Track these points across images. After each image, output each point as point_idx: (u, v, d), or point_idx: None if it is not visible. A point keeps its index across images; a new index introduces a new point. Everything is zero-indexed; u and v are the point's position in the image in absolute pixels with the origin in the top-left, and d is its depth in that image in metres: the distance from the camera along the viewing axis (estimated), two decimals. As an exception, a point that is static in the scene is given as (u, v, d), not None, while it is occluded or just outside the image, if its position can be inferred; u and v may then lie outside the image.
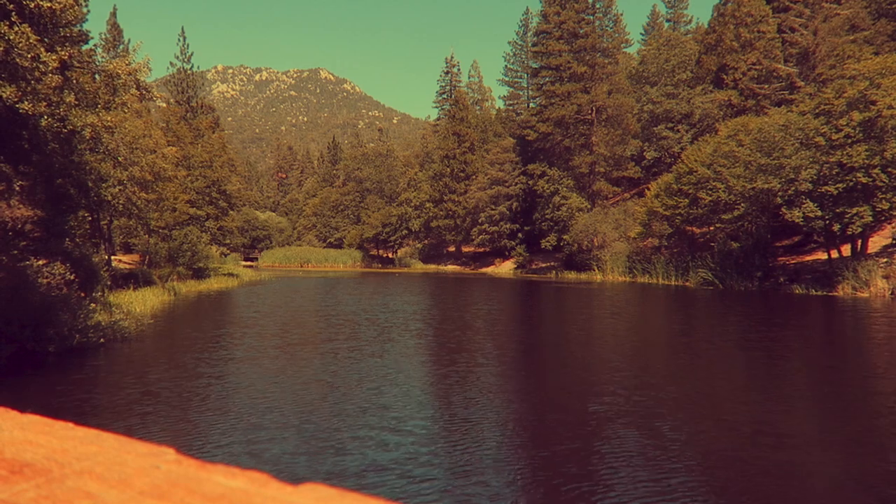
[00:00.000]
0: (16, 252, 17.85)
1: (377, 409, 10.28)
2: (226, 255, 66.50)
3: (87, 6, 22.48)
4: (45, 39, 14.20)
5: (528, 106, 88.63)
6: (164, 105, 59.53)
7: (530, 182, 71.89)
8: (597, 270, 57.69)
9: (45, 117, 14.41)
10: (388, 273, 72.85)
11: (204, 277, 43.41)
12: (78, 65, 16.83)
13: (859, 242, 36.12)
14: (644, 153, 68.38)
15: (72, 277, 18.97)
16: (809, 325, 23.37)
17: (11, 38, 12.77)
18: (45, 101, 14.09)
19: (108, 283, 26.22)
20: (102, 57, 21.46)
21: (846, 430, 9.28)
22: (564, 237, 65.08)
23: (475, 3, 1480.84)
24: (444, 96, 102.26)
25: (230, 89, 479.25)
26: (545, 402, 11.30)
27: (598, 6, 70.62)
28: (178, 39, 65.25)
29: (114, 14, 53.44)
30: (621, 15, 77.06)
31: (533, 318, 27.04)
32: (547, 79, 71.79)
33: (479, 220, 78.54)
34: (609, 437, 8.87)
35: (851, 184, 33.06)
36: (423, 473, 7.36)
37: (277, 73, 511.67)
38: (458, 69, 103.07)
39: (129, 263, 39.73)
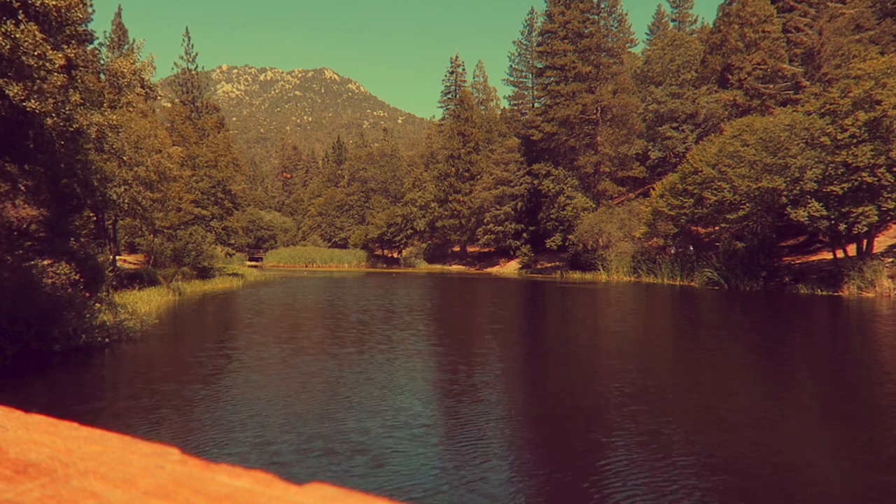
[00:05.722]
0: (21, 252, 17.90)
1: (382, 408, 10.27)
2: (231, 255, 66.54)
3: (91, 6, 22.53)
4: (51, 38, 14.23)
5: (533, 106, 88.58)
6: (169, 105, 59.65)
7: (535, 182, 71.89)
8: (602, 270, 57.62)
9: (51, 116, 14.44)
10: (391, 273, 72.87)
11: (209, 277, 43.47)
12: (83, 64, 16.85)
13: (865, 242, 36.01)
14: (649, 153, 68.34)
15: (77, 277, 19.01)
16: (814, 326, 23.32)
17: (18, 36, 12.79)
18: (52, 98, 14.11)
19: (113, 282, 26.27)
20: (107, 56, 21.49)
21: (850, 430, 9.25)
22: (569, 237, 65.06)
23: (480, 4, 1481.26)
24: (449, 96, 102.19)
25: (235, 89, 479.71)
26: (550, 403, 11.28)
27: (602, 6, 70.59)
28: (183, 39, 65.39)
29: (119, 14, 53.50)
30: (626, 15, 77.04)
31: (537, 319, 27.02)
32: (552, 79, 71.74)
33: (484, 220, 78.54)
34: (613, 437, 8.85)
35: (857, 183, 32.96)
36: (428, 472, 7.35)
37: (282, 72, 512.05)
38: (463, 69, 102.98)
39: (134, 263, 39.77)
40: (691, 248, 51.71)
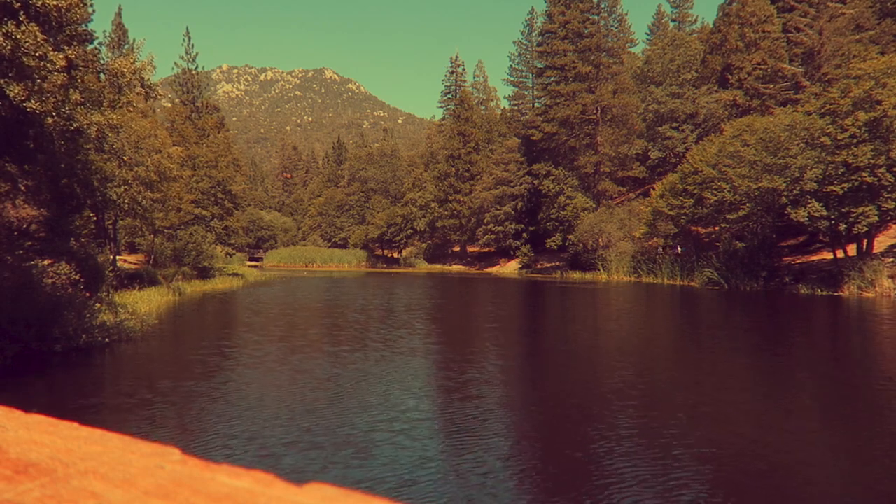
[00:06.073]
0: (21, 252, 17.90)
1: (382, 408, 10.27)
2: (231, 255, 66.57)
3: (91, 6, 22.54)
4: (51, 39, 14.24)
5: (533, 106, 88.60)
6: (169, 105, 59.63)
7: (535, 182, 71.91)
8: (602, 270, 57.64)
9: (52, 115, 14.44)
10: (391, 273, 72.93)
11: (209, 277, 43.47)
12: (83, 64, 16.85)
13: (865, 242, 36.01)
14: (649, 153, 68.37)
15: (77, 277, 19.00)
16: (814, 326, 23.31)
17: (19, 37, 12.79)
18: (52, 98, 14.12)
19: (114, 282, 26.26)
20: (107, 56, 21.48)
21: (850, 430, 9.25)
22: (569, 237, 65.08)
23: (480, 4, 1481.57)
24: (449, 96, 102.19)
25: (235, 89, 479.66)
26: (548, 401, 11.28)
27: (602, 6, 70.60)
28: (184, 40, 65.35)
29: (119, 14, 53.51)
30: (626, 15, 77.11)
31: (537, 318, 27.01)
32: (552, 79, 71.73)
33: (485, 220, 78.57)
34: (610, 435, 8.85)
35: (857, 183, 32.97)
36: (427, 472, 7.35)
37: (282, 72, 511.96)
38: (463, 69, 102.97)
39: (135, 263, 39.77)
40: (679, 248, 51.82)
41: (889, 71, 33.06)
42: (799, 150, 35.27)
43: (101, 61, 19.07)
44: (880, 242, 37.88)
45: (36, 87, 13.66)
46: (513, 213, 75.66)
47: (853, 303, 29.22)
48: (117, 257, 35.03)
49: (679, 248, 51.81)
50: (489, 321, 24.83)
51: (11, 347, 14.07)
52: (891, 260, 34.72)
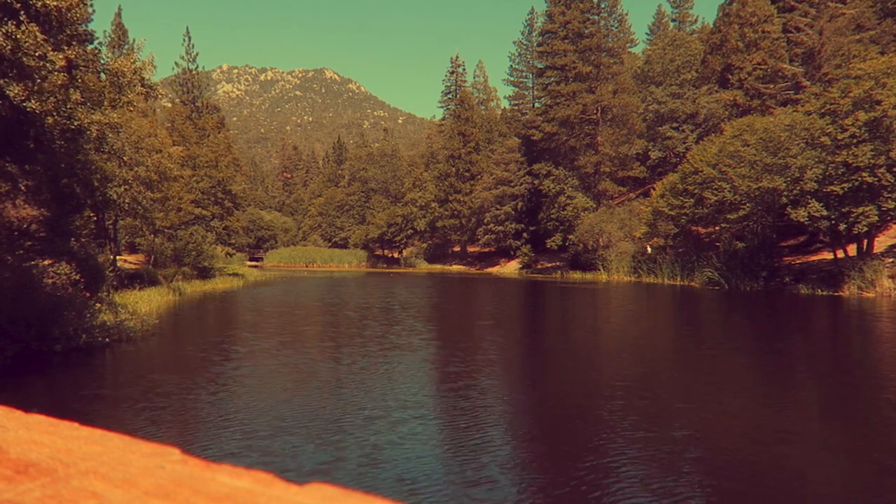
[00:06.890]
0: (21, 252, 17.90)
1: (382, 407, 10.27)
2: (231, 255, 66.57)
3: (91, 6, 22.52)
4: (51, 39, 14.24)
5: (534, 106, 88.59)
6: (170, 105, 59.63)
7: (535, 182, 71.92)
8: (602, 270, 57.63)
9: (52, 115, 14.44)
10: (391, 273, 72.94)
11: (209, 277, 43.47)
12: (83, 64, 16.84)
13: (865, 242, 35.99)
14: (649, 153, 68.39)
15: (77, 277, 19.00)
16: (814, 326, 23.31)
17: (19, 37, 12.79)
18: (53, 97, 14.12)
19: (114, 282, 26.26)
20: (107, 56, 21.43)
21: (850, 430, 9.25)
22: (570, 237, 65.09)
23: (480, 4, 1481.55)
24: (450, 96, 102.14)
25: (235, 89, 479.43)
26: (550, 404, 11.28)
27: (603, 6, 70.63)
28: (184, 39, 65.36)
29: (119, 14, 53.52)
30: (626, 15, 77.23)
31: (537, 319, 27.01)
32: (552, 79, 71.75)
33: (485, 220, 78.57)
34: (613, 438, 8.84)
35: (857, 183, 32.95)
36: (427, 472, 7.35)
37: (283, 72, 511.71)
38: (464, 69, 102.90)
39: (135, 263, 39.76)
40: (648, 248, 52.00)
41: (889, 71, 33.04)
42: (799, 150, 35.27)
43: (102, 61, 19.05)
44: (880, 242, 37.86)
45: (36, 87, 13.66)
46: (513, 213, 75.66)
47: (853, 303, 29.21)
48: (117, 257, 35.01)
49: (648, 248, 52.00)
50: (488, 320, 24.83)
51: (11, 347, 14.07)
52: (891, 260, 34.71)
